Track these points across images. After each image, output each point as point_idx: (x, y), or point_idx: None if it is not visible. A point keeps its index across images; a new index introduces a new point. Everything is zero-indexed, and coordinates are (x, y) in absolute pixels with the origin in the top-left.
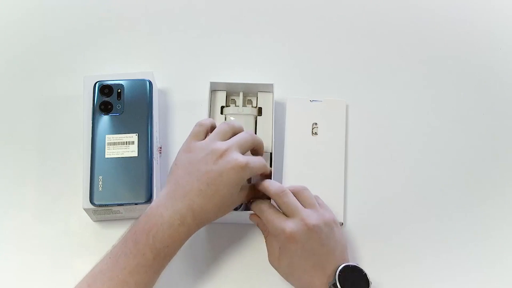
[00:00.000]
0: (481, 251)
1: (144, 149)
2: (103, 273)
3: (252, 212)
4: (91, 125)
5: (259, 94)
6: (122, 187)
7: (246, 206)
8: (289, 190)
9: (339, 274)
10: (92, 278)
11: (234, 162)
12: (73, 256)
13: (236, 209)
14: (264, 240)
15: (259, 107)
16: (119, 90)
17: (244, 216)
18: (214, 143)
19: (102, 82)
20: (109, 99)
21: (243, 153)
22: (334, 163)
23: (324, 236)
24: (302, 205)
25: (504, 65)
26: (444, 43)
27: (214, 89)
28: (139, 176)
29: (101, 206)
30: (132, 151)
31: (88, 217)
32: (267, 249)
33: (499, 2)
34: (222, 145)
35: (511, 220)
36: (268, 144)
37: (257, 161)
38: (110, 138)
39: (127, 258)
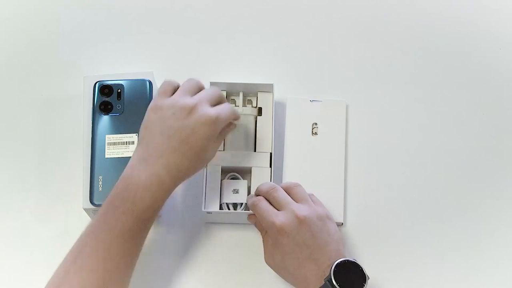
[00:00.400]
0: (481, 251)
1: None
2: (89, 241)
3: (250, 212)
4: (91, 125)
5: (259, 94)
6: None
7: (246, 206)
8: (281, 186)
9: (334, 269)
10: (80, 247)
11: (205, 117)
12: None
13: (235, 209)
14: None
15: (259, 107)
16: (119, 90)
17: (244, 216)
18: (182, 98)
19: (102, 82)
20: (109, 99)
21: (212, 106)
22: (334, 163)
23: (316, 228)
24: (294, 200)
25: (504, 65)
26: (445, 43)
27: None
28: None
29: (101, 206)
30: (132, 151)
31: (88, 217)
32: (263, 248)
33: (499, 2)
34: (191, 100)
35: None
36: (268, 144)
37: (226, 110)
38: (110, 138)
39: (109, 226)
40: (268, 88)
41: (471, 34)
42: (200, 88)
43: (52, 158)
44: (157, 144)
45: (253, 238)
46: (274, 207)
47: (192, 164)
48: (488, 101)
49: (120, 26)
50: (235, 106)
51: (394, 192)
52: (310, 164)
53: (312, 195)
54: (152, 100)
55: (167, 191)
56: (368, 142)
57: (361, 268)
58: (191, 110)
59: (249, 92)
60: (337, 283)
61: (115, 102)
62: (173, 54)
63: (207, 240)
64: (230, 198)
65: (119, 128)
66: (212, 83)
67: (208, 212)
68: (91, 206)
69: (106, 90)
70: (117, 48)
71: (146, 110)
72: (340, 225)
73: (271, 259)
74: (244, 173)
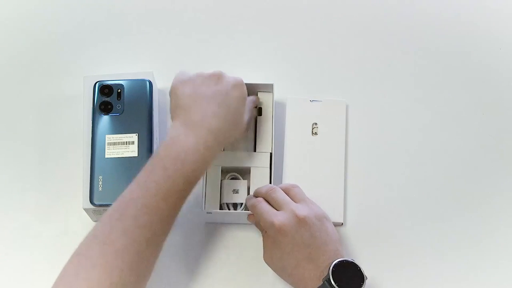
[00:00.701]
0: (481, 251)
1: (144, 149)
2: (134, 200)
3: (249, 212)
4: (91, 125)
5: (259, 94)
6: (122, 187)
7: (246, 206)
8: (279, 187)
9: (333, 269)
10: (125, 205)
11: (234, 80)
12: None
13: (235, 209)
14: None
15: (259, 107)
16: (119, 90)
17: (244, 216)
18: (205, 71)
19: (102, 82)
20: (109, 99)
21: None
22: (334, 163)
23: (315, 228)
24: (292, 200)
25: (504, 65)
26: (445, 43)
27: None
28: None
29: (101, 206)
30: (132, 151)
31: (88, 217)
32: (263, 248)
33: (499, 2)
34: (215, 71)
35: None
36: (268, 144)
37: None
38: (110, 138)
39: (158, 184)
40: (268, 88)
41: (471, 34)
42: None
43: (52, 158)
44: (196, 110)
45: (253, 238)
46: (274, 207)
47: (231, 127)
48: (488, 101)
49: (120, 26)
50: None
51: (394, 192)
52: (310, 164)
53: (307, 198)
54: (174, 80)
55: (212, 154)
56: (368, 142)
57: (360, 268)
58: (219, 76)
59: (249, 92)
60: (335, 283)
61: (115, 102)
62: (173, 54)
63: (207, 240)
64: (230, 198)
65: (119, 128)
66: None
67: (208, 212)
68: (91, 206)
69: (106, 90)
70: (117, 48)
71: (146, 110)
72: (340, 225)
73: (270, 259)
74: (244, 173)
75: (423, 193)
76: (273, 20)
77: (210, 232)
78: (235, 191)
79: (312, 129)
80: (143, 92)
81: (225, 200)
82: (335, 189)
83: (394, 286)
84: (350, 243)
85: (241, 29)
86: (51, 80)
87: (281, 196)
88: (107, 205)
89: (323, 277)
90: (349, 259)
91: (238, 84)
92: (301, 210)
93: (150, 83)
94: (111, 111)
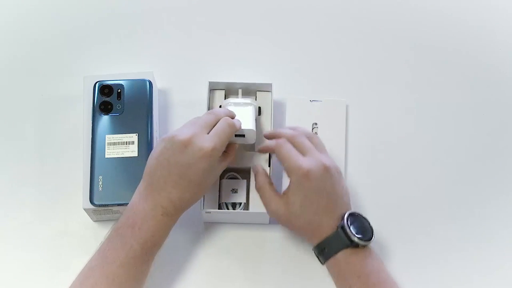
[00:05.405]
0: (483, 251)
1: (144, 149)
2: (93, 269)
3: (248, 212)
4: (91, 125)
5: (258, 94)
6: (122, 187)
7: (245, 205)
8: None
9: (347, 218)
10: (84, 276)
11: (200, 152)
12: (73, 256)
13: (234, 208)
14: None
15: (258, 107)
16: (119, 90)
17: (244, 216)
18: (180, 130)
19: (102, 82)
20: (109, 99)
21: (208, 131)
22: None
23: (335, 179)
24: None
25: (504, 65)
26: (445, 44)
27: (212, 88)
28: (139, 176)
29: (101, 206)
30: (132, 151)
31: (88, 217)
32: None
33: (499, 2)
34: (187, 132)
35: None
36: (267, 143)
37: (220, 129)
38: (110, 138)
39: (116, 251)
40: (267, 88)
41: (471, 35)
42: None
43: (52, 158)
44: (158, 177)
45: (252, 238)
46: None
47: (194, 196)
48: (488, 101)
49: (120, 26)
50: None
51: (394, 192)
52: None
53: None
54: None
55: (172, 220)
56: (368, 142)
57: (368, 221)
58: (187, 144)
59: (248, 92)
60: (349, 230)
61: (115, 102)
62: (173, 54)
63: (206, 240)
64: (229, 197)
65: (119, 128)
66: (211, 83)
67: (207, 212)
68: (91, 206)
69: (106, 90)
70: (117, 48)
71: (146, 110)
72: None
73: (284, 205)
74: (243, 172)
75: (423, 193)
76: (273, 20)
77: (209, 231)
78: (234, 191)
79: (312, 129)
80: (143, 92)
81: (224, 200)
82: None
83: None
84: None
85: (241, 29)
86: (51, 80)
87: (307, 142)
88: (107, 205)
89: (338, 224)
90: (359, 213)
91: (205, 155)
92: (326, 159)
93: (150, 83)
94: (111, 111)
